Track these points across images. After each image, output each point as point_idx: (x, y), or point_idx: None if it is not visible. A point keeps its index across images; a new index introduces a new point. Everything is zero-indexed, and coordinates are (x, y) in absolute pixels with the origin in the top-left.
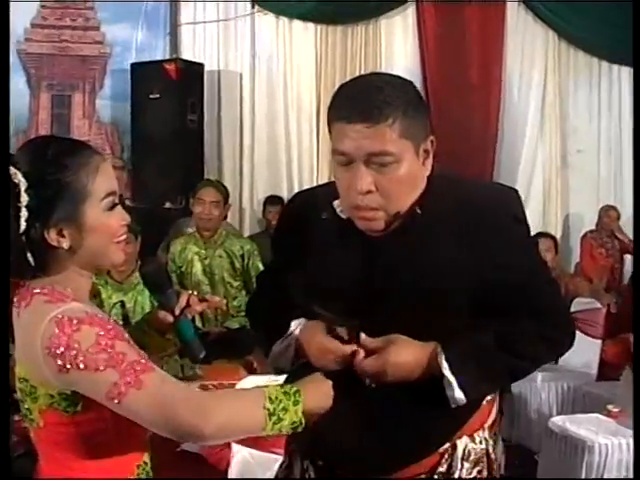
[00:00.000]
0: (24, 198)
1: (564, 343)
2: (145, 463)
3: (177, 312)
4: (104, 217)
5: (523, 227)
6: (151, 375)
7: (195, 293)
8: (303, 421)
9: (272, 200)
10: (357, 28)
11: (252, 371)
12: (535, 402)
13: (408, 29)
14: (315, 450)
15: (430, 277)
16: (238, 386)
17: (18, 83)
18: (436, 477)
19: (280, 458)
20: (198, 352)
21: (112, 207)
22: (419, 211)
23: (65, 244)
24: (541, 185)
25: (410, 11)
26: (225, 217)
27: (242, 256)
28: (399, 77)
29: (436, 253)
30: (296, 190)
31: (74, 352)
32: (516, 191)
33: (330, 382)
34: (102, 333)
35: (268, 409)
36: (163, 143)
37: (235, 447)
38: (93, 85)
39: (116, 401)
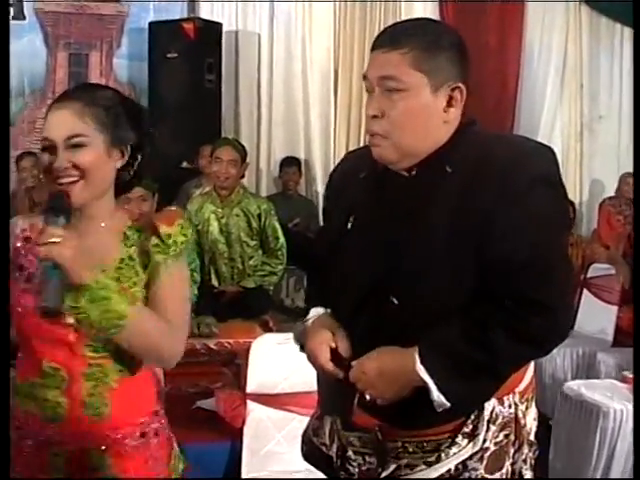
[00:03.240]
0: None
1: (550, 342)
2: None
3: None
4: (40, 156)
5: (545, 191)
6: None
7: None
8: None
9: (288, 161)
10: None
11: (268, 330)
12: (550, 367)
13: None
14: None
15: (432, 233)
16: (254, 345)
17: (35, 41)
18: (460, 436)
19: (295, 416)
20: (52, 300)
21: (44, 149)
22: (449, 169)
23: None
24: (560, 151)
25: None
26: (242, 176)
27: (259, 215)
28: (440, 23)
29: (445, 206)
30: (313, 152)
31: None
32: (549, 149)
33: None
34: None
35: None
36: (180, 103)
37: (250, 405)
38: (110, 44)
39: None
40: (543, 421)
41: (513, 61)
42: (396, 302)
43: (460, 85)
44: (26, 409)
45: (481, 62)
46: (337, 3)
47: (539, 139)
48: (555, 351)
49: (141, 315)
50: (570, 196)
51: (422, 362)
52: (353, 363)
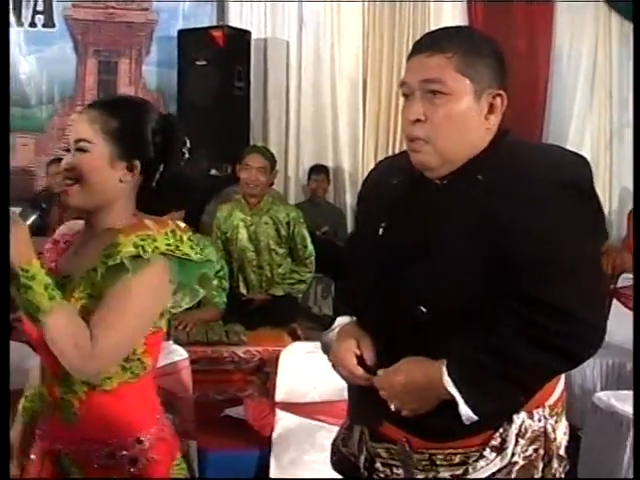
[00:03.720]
0: None
1: (577, 353)
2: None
3: None
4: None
5: (576, 199)
6: None
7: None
8: None
9: (317, 169)
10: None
11: (296, 338)
12: (579, 378)
13: (457, 3)
14: (373, 414)
15: (461, 242)
16: (283, 353)
17: (65, 49)
18: (488, 450)
19: (324, 425)
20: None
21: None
22: (480, 178)
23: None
24: (589, 159)
25: None
26: (271, 184)
27: (287, 223)
28: (478, 31)
29: (476, 215)
30: (341, 159)
31: None
32: (582, 158)
33: None
34: None
35: None
36: (209, 110)
37: (279, 414)
38: (139, 52)
39: None
40: (572, 432)
41: (542, 67)
42: (424, 311)
43: (501, 93)
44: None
45: (510, 67)
46: (366, 10)
47: (568, 146)
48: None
49: (60, 317)
50: None
51: (449, 375)
52: (379, 372)
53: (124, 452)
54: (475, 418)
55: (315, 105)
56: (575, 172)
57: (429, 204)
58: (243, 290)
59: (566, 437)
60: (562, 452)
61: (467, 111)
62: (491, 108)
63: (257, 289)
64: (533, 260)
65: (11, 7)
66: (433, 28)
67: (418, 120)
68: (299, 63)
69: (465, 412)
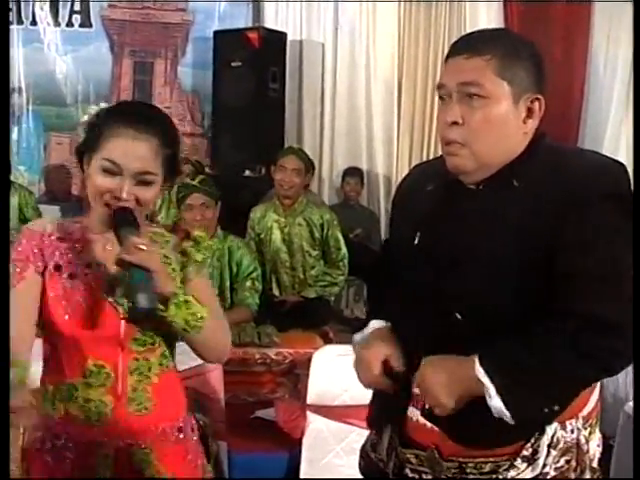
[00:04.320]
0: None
1: (616, 362)
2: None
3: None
4: (94, 174)
5: (614, 206)
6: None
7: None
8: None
9: (351, 172)
10: (441, 2)
11: (328, 341)
12: (612, 386)
13: (492, 3)
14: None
15: (498, 249)
16: (315, 356)
17: (101, 48)
18: (519, 460)
19: (354, 429)
20: (140, 301)
21: (106, 171)
22: (516, 184)
23: (85, 173)
24: (625, 163)
25: None
26: (307, 185)
27: (321, 225)
28: (517, 34)
29: (511, 221)
30: (375, 162)
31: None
32: (620, 165)
33: None
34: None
35: None
36: (244, 112)
37: (310, 417)
38: (175, 52)
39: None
40: (605, 441)
41: (578, 70)
42: (460, 318)
43: (540, 97)
44: (65, 413)
45: (547, 73)
46: (401, 12)
47: (604, 151)
48: None
49: (210, 314)
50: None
51: (482, 365)
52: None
53: (188, 421)
54: (506, 413)
55: (350, 107)
56: (615, 181)
57: (464, 210)
58: (276, 292)
59: (599, 449)
60: (595, 464)
61: (505, 115)
62: (529, 112)
63: (290, 291)
64: (573, 272)
65: (48, 7)
66: (469, 30)
67: (455, 123)
68: (334, 65)
69: (496, 404)
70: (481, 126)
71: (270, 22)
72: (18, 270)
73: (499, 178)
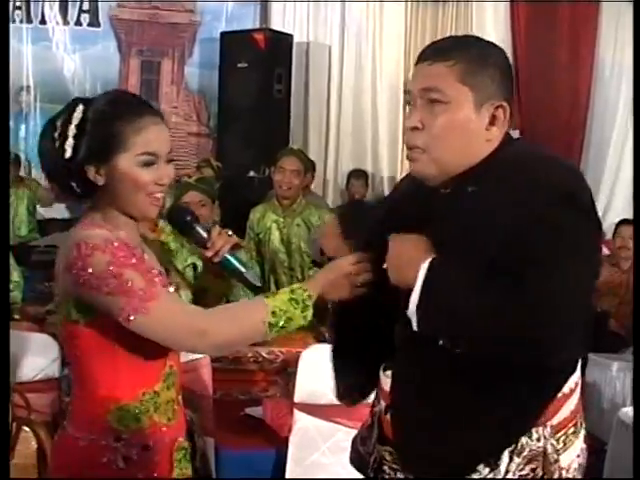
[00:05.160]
0: (72, 130)
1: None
2: (155, 393)
3: (211, 250)
4: (136, 170)
5: (565, 210)
6: (156, 303)
7: (227, 231)
8: (311, 318)
9: (356, 174)
10: (448, 3)
11: (323, 341)
12: (609, 392)
13: (499, 5)
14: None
15: (453, 249)
16: (304, 354)
17: (109, 48)
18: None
19: (341, 428)
20: (253, 280)
21: (147, 164)
22: (470, 189)
23: (100, 181)
24: (630, 170)
25: None
26: (307, 186)
27: (320, 226)
28: (486, 41)
29: (464, 226)
30: (380, 165)
31: (87, 274)
32: (574, 169)
33: (348, 272)
34: (113, 260)
35: (270, 322)
36: (249, 112)
37: (297, 415)
38: (182, 52)
39: (125, 323)
40: (599, 445)
41: (584, 75)
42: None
43: (504, 104)
44: (152, 422)
45: (552, 77)
46: (408, 15)
47: (609, 158)
48: (615, 375)
49: None
50: None
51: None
52: None
53: None
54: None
55: (355, 109)
56: (567, 183)
57: (431, 214)
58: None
59: (578, 461)
60: (571, 474)
61: (466, 121)
62: (493, 119)
63: None
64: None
65: (57, 6)
66: (475, 31)
67: (416, 128)
68: (340, 67)
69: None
70: (441, 132)
71: (277, 23)
72: (155, 272)
73: (456, 183)
